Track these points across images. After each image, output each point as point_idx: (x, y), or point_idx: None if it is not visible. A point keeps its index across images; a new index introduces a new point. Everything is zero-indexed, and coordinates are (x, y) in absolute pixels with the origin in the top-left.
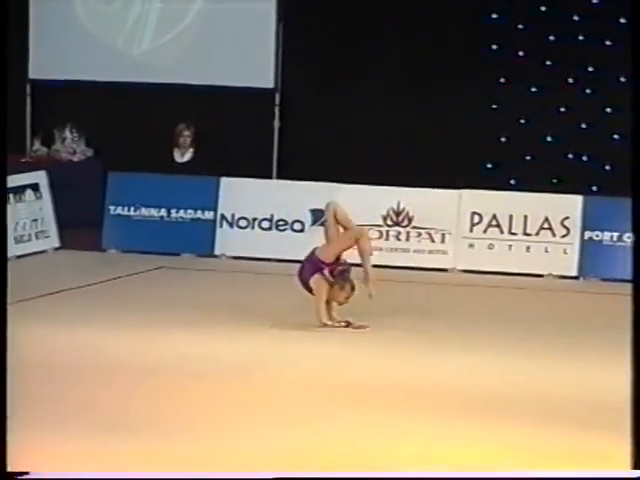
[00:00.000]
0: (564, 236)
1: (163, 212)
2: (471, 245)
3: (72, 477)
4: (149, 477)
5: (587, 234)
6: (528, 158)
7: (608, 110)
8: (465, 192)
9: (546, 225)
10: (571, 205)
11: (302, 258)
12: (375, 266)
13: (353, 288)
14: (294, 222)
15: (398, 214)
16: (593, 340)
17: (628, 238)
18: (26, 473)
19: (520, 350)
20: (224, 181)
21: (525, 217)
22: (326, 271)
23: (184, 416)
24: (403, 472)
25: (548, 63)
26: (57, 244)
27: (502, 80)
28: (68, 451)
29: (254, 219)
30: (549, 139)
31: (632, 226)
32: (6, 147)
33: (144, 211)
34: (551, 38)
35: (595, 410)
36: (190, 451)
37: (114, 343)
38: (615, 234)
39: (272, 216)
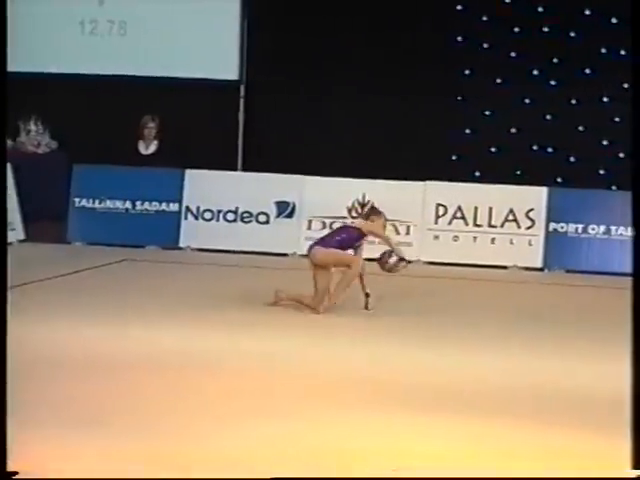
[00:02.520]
0: (529, 228)
1: (128, 204)
2: (436, 237)
3: (72, 477)
4: (147, 478)
5: (552, 226)
6: (493, 150)
7: (573, 102)
8: (430, 184)
9: (511, 217)
10: (536, 197)
11: (267, 250)
12: None
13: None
14: (259, 214)
15: (363, 206)
16: (558, 331)
17: (592, 229)
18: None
19: (484, 343)
20: (189, 173)
21: (490, 209)
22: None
23: (150, 410)
24: (403, 472)
25: (512, 55)
26: (22, 236)
27: (467, 72)
28: (40, 449)
29: (219, 211)
30: (514, 131)
31: (632, 220)
32: (6, 146)
33: (109, 203)
34: (516, 30)
35: (565, 402)
36: (154, 449)
37: (80, 335)
38: (580, 226)
39: (237, 208)
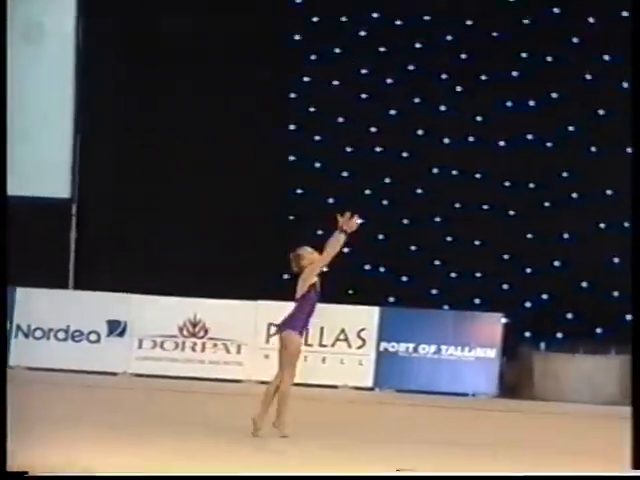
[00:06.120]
0: (360, 347)
1: None
2: (266, 356)
3: (71, 476)
4: (146, 476)
5: (383, 345)
6: (325, 269)
7: (405, 222)
8: (261, 303)
9: (342, 336)
10: (367, 316)
11: (98, 369)
12: (171, 377)
13: None
14: (90, 333)
15: (195, 325)
16: (386, 451)
17: (423, 349)
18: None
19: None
20: (20, 291)
21: (322, 328)
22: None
23: None
24: (403, 472)
25: (345, 174)
26: None
27: (299, 191)
28: None
29: (50, 329)
30: (346, 250)
31: (632, 220)
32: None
33: None
34: (348, 150)
35: None
36: None
37: None
38: (410, 345)
39: (68, 327)
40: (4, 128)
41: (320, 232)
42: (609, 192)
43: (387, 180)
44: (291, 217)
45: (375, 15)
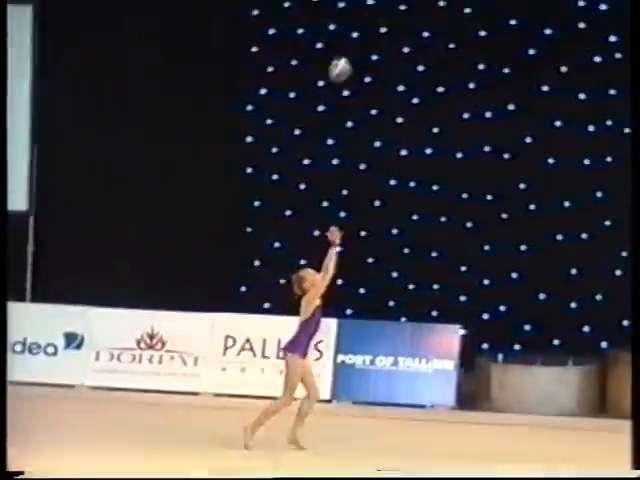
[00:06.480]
0: (317, 359)
1: None
2: (224, 368)
3: (71, 477)
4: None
5: (340, 357)
6: (282, 282)
7: (362, 234)
8: (219, 316)
9: None
10: (325, 328)
11: (55, 381)
12: (128, 390)
13: None
14: (47, 345)
15: (152, 337)
16: (342, 462)
17: (380, 361)
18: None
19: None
20: None
21: (279, 341)
22: None
23: None
24: (404, 472)
25: (302, 187)
26: None
27: (256, 204)
28: None
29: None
30: (303, 262)
31: (632, 222)
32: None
33: None
34: (305, 162)
35: None
36: None
37: None
38: (368, 357)
39: (25, 339)
40: (4, 134)
41: (277, 244)
42: (566, 204)
43: (344, 192)
44: (248, 229)
45: (332, 27)
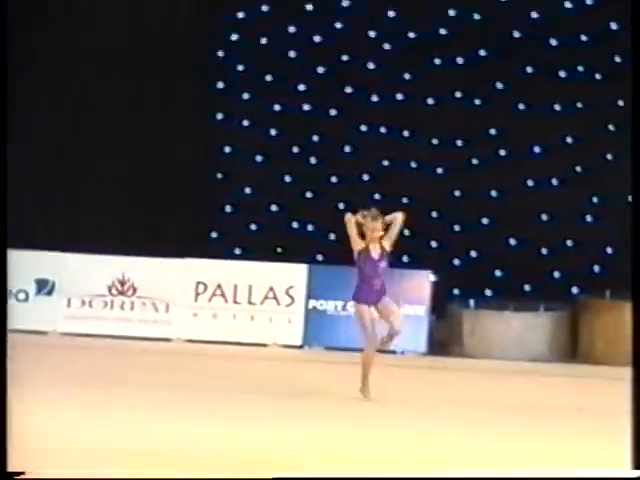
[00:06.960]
0: (289, 305)
1: None
2: (195, 314)
3: (71, 477)
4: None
5: (311, 303)
6: (253, 227)
7: (333, 180)
8: (190, 262)
9: (271, 294)
10: (296, 274)
11: (27, 327)
12: (100, 336)
13: None
14: (18, 292)
15: (123, 284)
16: (317, 405)
17: (351, 307)
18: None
19: (244, 418)
20: None
21: (250, 287)
22: None
23: None
24: (404, 473)
25: (273, 133)
26: None
27: (227, 150)
28: None
29: None
30: (274, 208)
31: (632, 223)
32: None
33: None
34: (276, 108)
35: None
36: None
37: None
38: (339, 303)
39: None
40: (4, 134)
41: (248, 190)
42: (537, 149)
43: (315, 138)
44: (219, 175)
45: None
